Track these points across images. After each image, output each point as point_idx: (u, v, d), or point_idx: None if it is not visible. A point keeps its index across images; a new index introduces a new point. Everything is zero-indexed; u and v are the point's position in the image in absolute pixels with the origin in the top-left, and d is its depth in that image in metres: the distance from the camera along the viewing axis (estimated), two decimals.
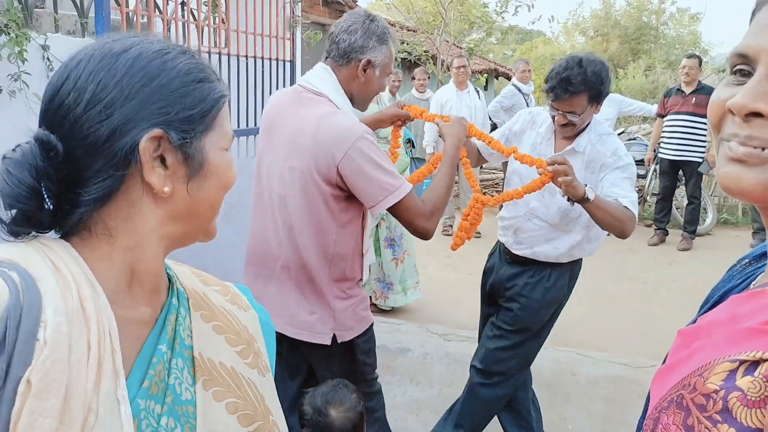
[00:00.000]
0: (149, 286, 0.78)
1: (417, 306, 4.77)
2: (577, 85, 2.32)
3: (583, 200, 2.17)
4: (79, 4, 2.89)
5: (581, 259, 2.68)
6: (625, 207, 2.28)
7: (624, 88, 14.55)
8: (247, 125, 3.56)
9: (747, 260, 0.90)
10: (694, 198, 6.77)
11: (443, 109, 6.85)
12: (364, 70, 1.98)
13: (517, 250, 2.63)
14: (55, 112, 0.72)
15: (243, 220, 3.63)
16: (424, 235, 1.99)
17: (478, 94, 7.14)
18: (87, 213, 0.72)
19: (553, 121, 2.48)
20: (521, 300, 2.63)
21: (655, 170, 7.42)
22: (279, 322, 2.11)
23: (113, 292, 0.72)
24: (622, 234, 2.29)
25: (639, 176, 7.83)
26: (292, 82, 3.96)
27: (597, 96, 2.38)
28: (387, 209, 1.93)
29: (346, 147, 1.85)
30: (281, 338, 2.14)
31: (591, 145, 2.44)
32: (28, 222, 0.71)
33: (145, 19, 2.96)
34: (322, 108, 1.95)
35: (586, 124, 2.48)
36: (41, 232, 0.73)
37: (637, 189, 7.90)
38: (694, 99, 6.52)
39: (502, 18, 10.60)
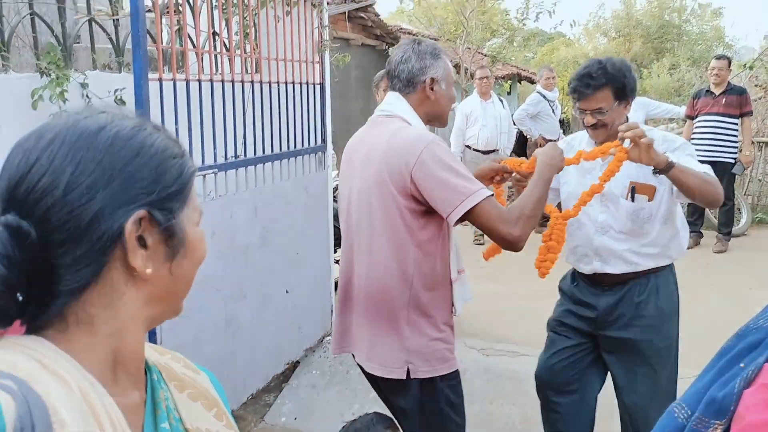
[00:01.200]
0: (133, 369, 0.75)
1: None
2: (599, 79, 2.28)
3: (668, 167, 2.09)
4: (115, 41, 2.96)
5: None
6: (705, 173, 2.18)
7: (649, 88, 14.38)
8: (280, 149, 3.60)
9: None
10: (728, 199, 6.65)
11: (468, 120, 6.89)
12: (432, 89, 2.03)
13: (612, 269, 2.42)
14: (25, 196, 0.66)
15: (278, 243, 3.68)
16: (512, 242, 1.85)
17: (502, 103, 7.18)
18: (67, 304, 0.68)
19: (584, 126, 2.39)
20: (639, 323, 2.42)
21: None
22: (361, 357, 2.07)
23: (100, 381, 0.68)
24: (716, 199, 2.21)
25: None
26: (323, 104, 4.00)
27: (622, 90, 2.30)
28: (466, 217, 1.84)
29: (419, 151, 1.84)
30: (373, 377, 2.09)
31: None
32: None
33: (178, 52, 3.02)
34: (395, 124, 1.98)
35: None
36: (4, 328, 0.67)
37: None
38: (724, 100, 6.44)
39: (524, 24, 10.58)
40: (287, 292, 3.80)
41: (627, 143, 2.10)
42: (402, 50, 2.04)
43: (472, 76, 9.27)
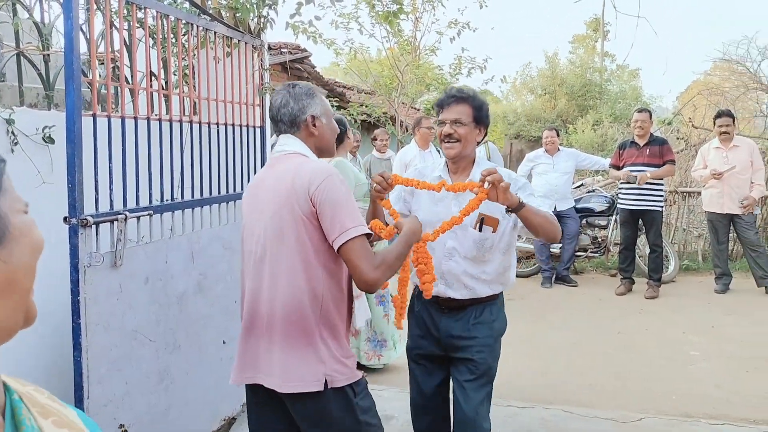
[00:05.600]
0: None
1: (398, 365, 4.65)
2: (462, 92, 2.58)
3: (519, 206, 2.34)
4: (45, 77, 2.82)
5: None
6: (546, 212, 2.47)
7: (575, 142, 14.95)
8: (218, 192, 3.48)
9: None
10: (656, 246, 6.89)
11: (407, 168, 6.92)
12: (314, 125, 2.23)
13: (454, 294, 2.61)
14: None
15: (215, 290, 3.52)
16: (369, 283, 2.02)
17: (440, 153, 7.25)
18: None
19: (440, 144, 2.57)
20: (474, 342, 2.61)
21: (615, 220, 7.57)
22: (274, 381, 2.14)
23: None
24: (555, 236, 2.49)
25: (601, 227, 7.97)
26: (263, 147, 3.92)
27: (479, 112, 2.54)
28: (338, 250, 2.01)
29: (321, 179, 2.05)
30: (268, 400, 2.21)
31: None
32: None
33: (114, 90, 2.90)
34: (298, 159, 2.18)
35: (474, 158, 2.62)
36: None
37: (599, 239, 8.01)
38: (648, 150, 6.74)
39: (457, 79, 10.85)
40: (224, 342, 3.62)
41: (486, 185, 2.32)
42: (280, 96, 2.24)
43: (407, 128, 9.41)
